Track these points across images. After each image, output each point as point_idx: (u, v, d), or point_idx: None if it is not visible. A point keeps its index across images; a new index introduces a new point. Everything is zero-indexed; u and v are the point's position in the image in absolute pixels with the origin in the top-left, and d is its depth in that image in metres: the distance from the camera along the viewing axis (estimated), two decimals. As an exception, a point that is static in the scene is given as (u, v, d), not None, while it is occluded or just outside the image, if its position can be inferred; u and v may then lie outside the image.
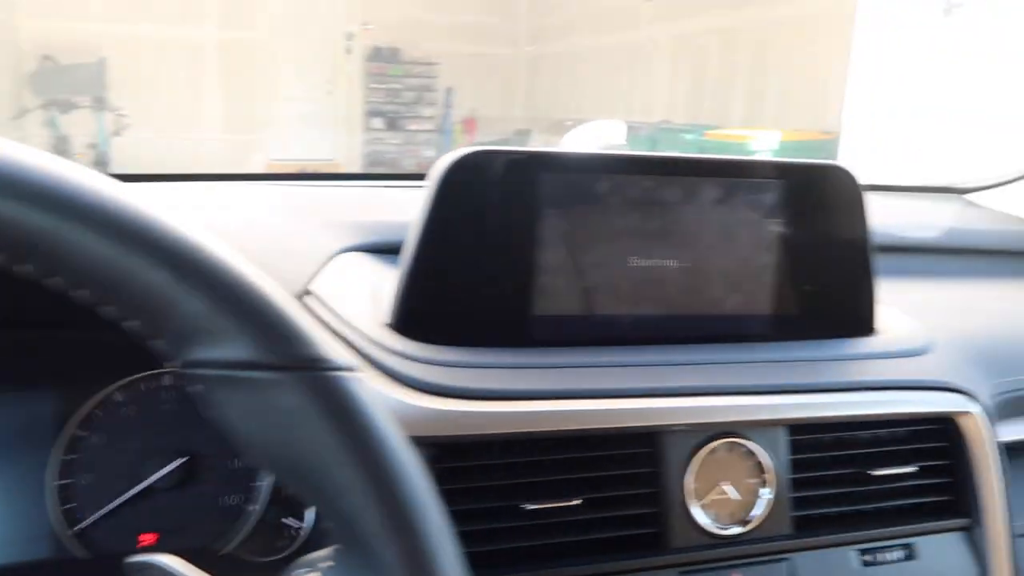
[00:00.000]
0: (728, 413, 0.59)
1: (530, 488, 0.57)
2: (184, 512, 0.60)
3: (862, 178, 0.67)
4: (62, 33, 6.59)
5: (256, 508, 0.60)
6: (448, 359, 0.57)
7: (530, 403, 0.55)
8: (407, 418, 0.52)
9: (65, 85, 6.17)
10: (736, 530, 0.59)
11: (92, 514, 0.58)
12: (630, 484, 0.59)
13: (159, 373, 0.61)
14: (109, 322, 0.31)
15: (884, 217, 1.01)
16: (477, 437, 0.54)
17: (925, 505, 0.65)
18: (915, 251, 0.98)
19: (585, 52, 8.49)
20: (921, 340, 0.69)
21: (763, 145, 5.73)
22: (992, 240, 1.04)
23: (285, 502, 0.61)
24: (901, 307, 0.75)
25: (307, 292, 0.62)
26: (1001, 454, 0.66)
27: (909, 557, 0.63)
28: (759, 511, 0.60)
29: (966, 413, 0.64)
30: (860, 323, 0.69)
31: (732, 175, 0.64)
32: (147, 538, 0.60)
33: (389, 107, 8.33)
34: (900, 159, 5.99)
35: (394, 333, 0.59)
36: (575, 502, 0.57)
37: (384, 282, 0.62)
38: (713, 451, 0.59)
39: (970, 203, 1.16)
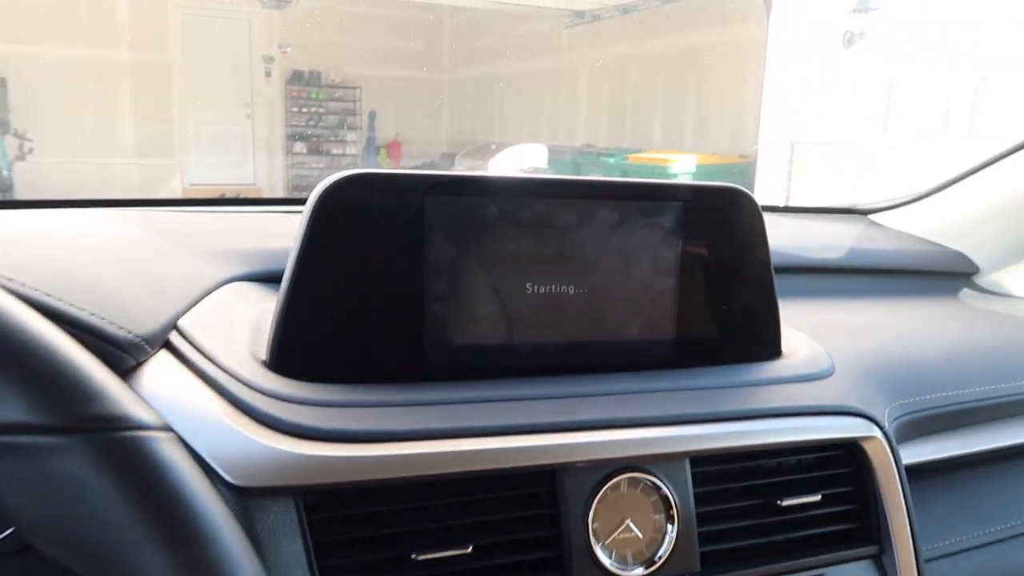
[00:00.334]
0: (629, 447, 0.56)
1: (421, 536, 0.52)
2: None
3: (763, 200, 0.66)
4: (-42, 53, 6.26)
5: None
6: (325, 398, 0.52)
7: (415, 444, 0.51)
8: (273, 466, 0.47)
9: (-39, 108, 5.85)
10: (642, 571, 0.56)
11: None
12: (529, 526, 0.55)
13: None
14: None
15: (790, 238, 1.02)
16: (356, 484, 0.50)
17: (834, 534, 0.63)
18: (816, 271, 0.99)
19: (509, 76, 8.57)
20: (824, 363, 0.68)
21: (683, 168, 5.86)
22: (893, 259, 1.06)
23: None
24: (803, 328, 0.74)
25: (173, 327, 0.57)
26: (903, 478, 0.65)
27: None
28: (665, 549, 0.57)
29: (870, 438, 0.63)
30: (765, 347, 0.68)
31: (630, 198, 0.62)
32: None
33: (311, 131, 8.21)
34: (813, 182, 6.24)
35: (268, 371, 0.54)
36: (469, 550, 0.53)
37: (268, 315, 0.57)
38: (615, 487, 0.56)
39: (873, 223, 1.18)
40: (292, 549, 0.48)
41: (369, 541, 0.52)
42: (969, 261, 1.09)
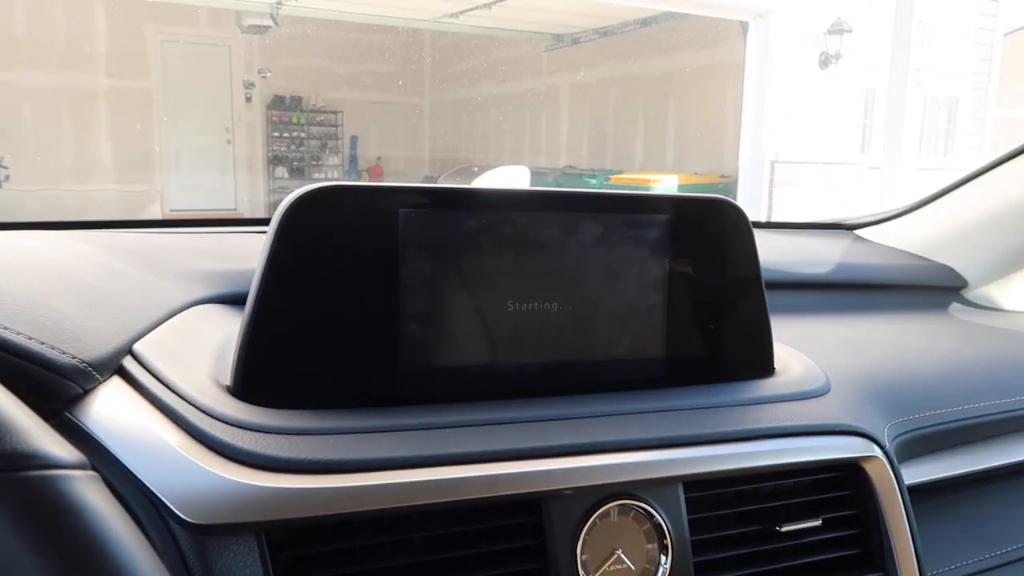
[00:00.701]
0: (620, 472, 0.53)
1: (397, 573, 0.49)
2: None
3: (751, 214, 0.64)
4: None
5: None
6: (292, 426, 0.49)
7: (390, 473, 0.47)
8: (233, 500, 0.44)
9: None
10: (635, 605, 0.52)
11: None
12: (513, 560, 0.51)
13: None
14: None
15: (776, 253, 1.00)
16: (327, 518, 0.46)
17: (836, 560, 0.60)
18: (803, 287, 0.96)
19: (490, 99, 8.61)
20: (820, 380, 0.65)
21: (665, 188, 5.89)
22: (881, 274, 1.04)
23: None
24: (792, 345, 0.71)
25: (128, 351, 0.53)
26: (906, 499, 0.62)
27: None
28: (659, 581, 0.53)
29: (871, 457, 0.60)
30: (757, 364, 0.65)
31: (615, 210, 0.59)
32: None
33: (293, 155, 8.19)
34: (794, 201, 6.29)
35: (230, 398, 0.50)
36: None
37: (235, 338, 0.54)
38: (605, 515, 0.53)
39: (859, 238, 1.17)
40: None
41: None
42: (957, 275, 1.07)
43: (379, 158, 8.57)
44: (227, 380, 0.52)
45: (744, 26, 6.32)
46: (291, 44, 7.58)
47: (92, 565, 0.22)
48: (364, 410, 0.52)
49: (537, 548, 0.51)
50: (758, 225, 0.64)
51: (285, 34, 7.38)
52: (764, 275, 0.64)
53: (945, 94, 8.07)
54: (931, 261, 1.08)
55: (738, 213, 0.63)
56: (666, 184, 5.92)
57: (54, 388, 0.44)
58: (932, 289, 1.07)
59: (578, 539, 0.52)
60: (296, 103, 8.11)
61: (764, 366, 0.65)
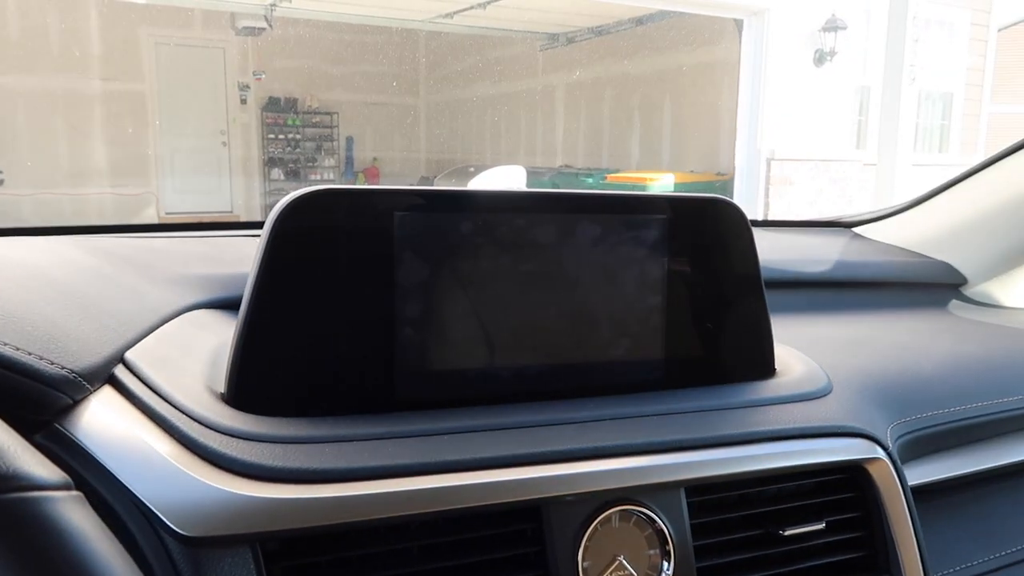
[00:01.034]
0: (620, 477, 0.52)
1: None
2: None
3: (748, 212, 0.63)
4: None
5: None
6: (287, 434, 0.48)
7: (387, 482, 0.47)
8: (227, 512, 0.43)
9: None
10: (637, 612, 0.52)
11: None
12: (513, 568, 0.51)
13: None
14: None
15: (774, 252, 0.99)
16: (323, 528, 0.45)
17: (840, 563, 0.59)
18: (801, 285, 0.96)
19: (486, 99, 8.60)
20: (821, 381, 0.64)
21: (662, 186, 5.89)
22: (879, 272, 1.03)
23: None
24: (792, 345, 0.70)
25: (119, 360, 0.52)
26: (910, 500, 0.61)
27: None
28: (661, 587, 0.52)
29: (874, 459, 0.60)
30: (758, 365, 0.64)
31: (612, 211, 0.58)
32: None
33: (288, 157, 8.17)
34: (790, 199, 6.29)
35: (224, 406, 0.49)
36: None
37: (228, 345, 0.53)
38: (606, 521, 0.52)
39: (857, 235, 1.16)
40: None
41: None
42: (956, 272, 1.07)
43: (375, 159, 8.56)
44: (221, 387, 0.51)
45: (739, 24, 6.32)
46: (285, 46, 7.56)
47: None
48: (360, 417, 0.51)
49: (537, 555, 0.51)
50: (756, 224, 0.63)
51: (279, 36, 7.36)
52: (763, 274, 0.64)
53: (940, 90, 8.08)
54: (930, 258, 1.07)
55: (737, 212, 0.62)
56: (662, 182, 5.92)
57: (43, 399, 0.44)
58: (931, 286, 1.06)
59: (579, 546, 0.51)
60: (291, 105, 8.09)
61: (765, 367, 0.64)
